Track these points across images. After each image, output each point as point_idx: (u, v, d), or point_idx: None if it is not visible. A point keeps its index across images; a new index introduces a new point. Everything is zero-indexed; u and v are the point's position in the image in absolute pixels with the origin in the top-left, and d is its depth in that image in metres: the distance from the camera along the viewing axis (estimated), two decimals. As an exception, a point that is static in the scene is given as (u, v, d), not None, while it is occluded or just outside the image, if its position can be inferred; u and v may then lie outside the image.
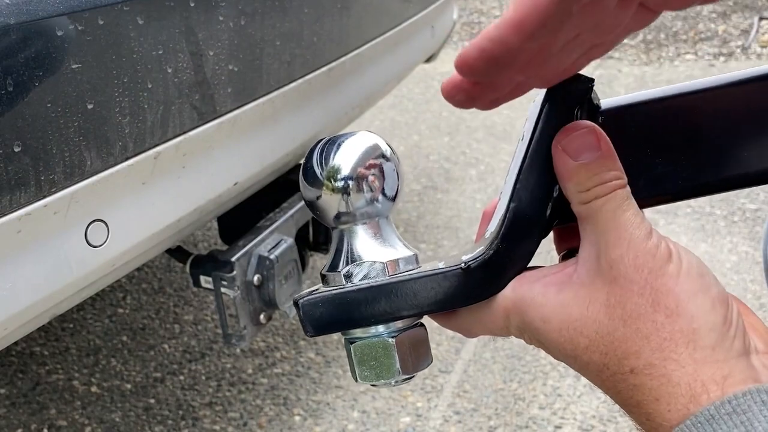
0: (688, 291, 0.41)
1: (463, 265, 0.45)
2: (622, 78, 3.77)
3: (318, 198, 0.48)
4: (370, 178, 0.48)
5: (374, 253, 0.48)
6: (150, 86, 0.91)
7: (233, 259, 1.26)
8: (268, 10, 1.10)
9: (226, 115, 1.05)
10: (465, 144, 3.02)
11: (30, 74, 0.76)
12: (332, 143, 0.49)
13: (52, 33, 0.78)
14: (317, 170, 0.48)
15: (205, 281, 1.31)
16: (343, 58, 1.34)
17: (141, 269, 2.28)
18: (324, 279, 0.49)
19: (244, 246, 1.29)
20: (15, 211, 0.77)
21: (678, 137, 0.47)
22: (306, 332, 0.47)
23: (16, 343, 1.93)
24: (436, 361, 1.87)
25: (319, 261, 2.01)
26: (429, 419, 1.70)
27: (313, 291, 0.48)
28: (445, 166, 2.83)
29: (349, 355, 0.48)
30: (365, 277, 0.47)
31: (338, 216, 0.48)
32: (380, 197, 0.49)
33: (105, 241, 0.89)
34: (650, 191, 0.48)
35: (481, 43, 0.37)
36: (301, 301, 0.47)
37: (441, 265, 0.47)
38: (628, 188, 0.44)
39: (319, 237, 1.52)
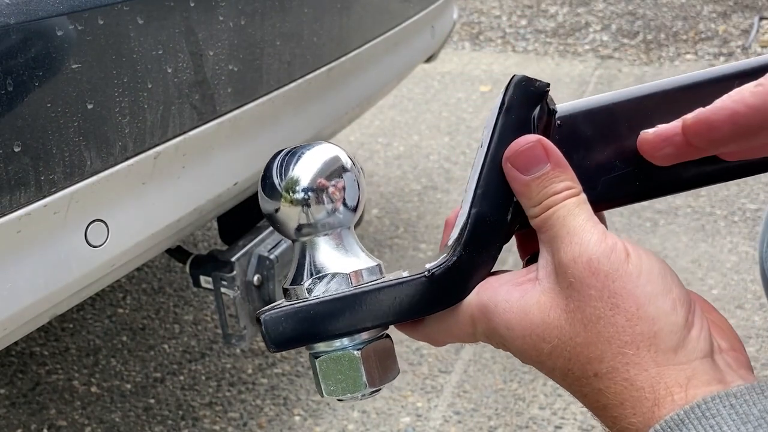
0: (648, 293, 0.40)
1: (426, 273, 0.45)
2: (622, 78, 3.77)
3: (277, 210, 0.48)
4: (331, 189, 0.47)
5: (337, 265, 0.48)
6: (150, 86, 0.91)
7: (233, 259, 1.26)
8: (268, 10, 1.10)
9: (226, 115, 1.05)
10: (465, 144, 3.02)
11: (30, 74, 0.76)
12: (292, 154, 0.48)
13: (52, 33, 0.78)
14: (276, 181, 0.48)
15: (205, 281, 1.31)
16: (343, 58, 1.34)
17: (141, 269, 2.28)
18: (286, 293, 0.49)
19: (244, 246, 1.29)
20: (15, 211, 0.77)
21: (634, 139, 0.47)
22: (269, 348, 0.46)
23: (16, 343, 1.93)
24: (436, 361, 1.87)
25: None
26: (429, 419, 1.70)
27: (275, 306, 0.47)
28: (445, 166, 2.83)
29: (314, 370, 0.48)
30: (328, 289, 0.47)
31: (299, 228, 0.48)
32: (341, 208, 0.48)
33: (105, 241, 0.89)
34: (609, 193, 0.48)
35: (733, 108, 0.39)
36: (263, 316, 0.46)
37: (405, 273, 0.46)
38: (581, 196, 0.44)
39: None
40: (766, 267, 0.86)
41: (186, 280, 2.21)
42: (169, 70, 0.93)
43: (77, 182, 0.83)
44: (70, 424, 1.71)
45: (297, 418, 1.70)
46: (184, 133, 0.98)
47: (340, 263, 0.48)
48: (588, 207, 0.43)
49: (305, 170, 0.47)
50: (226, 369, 1.88)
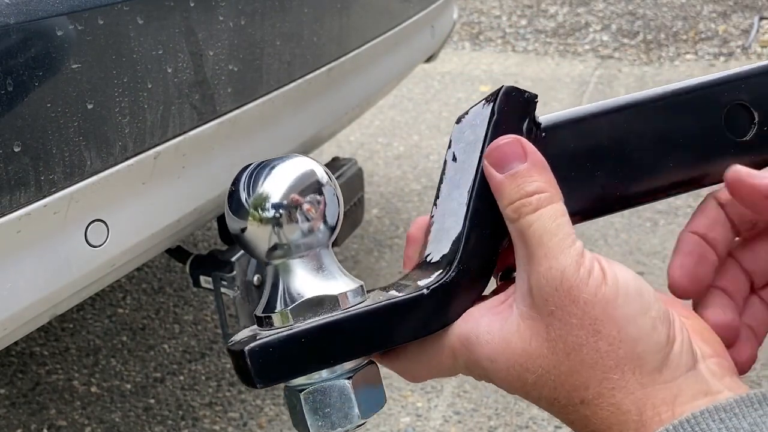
0: (627, 315, 0.40)
1: (425, 290, 0.43)
2: (622, 78, 3.77)
3: (243, 230, 0.43)
4: (306, 206, 0.43)
5: (320, 287, 0.43)
6: (150, 86, 0.91)
7: (233, 259, 1.26)
8: (268, 10, 1.10)
9: (226, 115, 1.05)
10: (465, 144, 3.01)
11: (30, 74, 0.76)
12: (262, 168, 0.44)
13: (52, 33, 0.78)
14: (243, 197, 0.43)
15: (205, 281, 1.31)
16: (343, 58, 1.34)
17: (141, 269, 2.28)
18: (261, 321, 0.44)
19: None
20: (15, 211, 0.77)
21: (614, 150, 0.46)
22: (252, 385, 0.41)
23: (16, 343, 1.93)
24: (436, 361, 1.87)
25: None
26: (429, 419, 1.70)
27: (252, 335, 0.43)
28: (445, 166, 2.82)
29: (294, 407, 0.43)
30: (317, 313, 0.43)
31: (272, 249, 0.43)
32: (320, 226, 0.44)
33: (105, 241, 0.89)
34: (591, 204, 0.47)
35: None
36: (246, 348, 0.41)
37: (394, 293, 0.43)
38: (557, 205, 0.42)
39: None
40: None
41: (186, 280, 2.21)
42: (169, 70, 0.93)
43: (77, 182, 0.83)
44: (70, 424, 1.71)
45: (297, 418, 1.70)
46: (184, 133, 0.98)
47: (323, 286, 0.44)
48: (566, 219, 0.42)
49: (277, 185, 0.43)
50: (226, 369, 1.88)
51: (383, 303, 0.43)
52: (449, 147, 0.48)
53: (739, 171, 0.44)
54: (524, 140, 0.43)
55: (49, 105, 0.78)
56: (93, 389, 1.82)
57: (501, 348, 0.42)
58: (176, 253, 1.37)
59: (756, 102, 0.47)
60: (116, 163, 0.88)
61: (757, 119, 0.47)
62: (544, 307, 0.41)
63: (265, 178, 0.44)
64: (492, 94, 0.45)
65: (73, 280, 0.87)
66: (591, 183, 0.46)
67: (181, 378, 1.85)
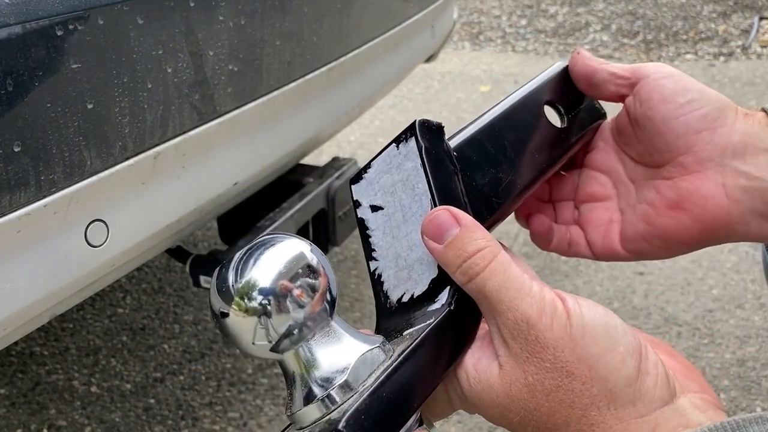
0: (595, 354, 0.41)
1: (450, 305, 0.44)
2: (622, 78, 3.77)
3: (229, 323, 0.40)
4: (297, 292, 0.41)
5: (354, 351, 0.42)
6: (150, 86, 0.91)
7: (233, 259, 1.26)
8: (268, 10, 1.10)
9: (226, 115, 1.05)
10: (465, 144, 3.02)
11: (30, 74, 0.76)
12: (248, 257, 0.42)
13: (52, 33, 0.78)
14: (231, 286, 0.41)
15: (205, 281, 1.31)
16: (343, 58, 1.34)
17: (141, 269, 2.28)
18: (319, 400, 0.41)
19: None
20: (15, 211, 0.77)
21: (503, 151, 0.54)
22: None
23: (16, 343, 1.93)
24: (436, 361, 1.87)
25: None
26: (429, 419, 1.70)
27: (322, 416, 0.40)
28: (445, 166, 2.82)
29: None
30: (374, 370, 0.41)
31: (287, 335, 0.41)
32: (324, 305, 0.42)
33: (105, 241, 0.89)
34: (501, 203, 0.53)
35: None
36: (341, 425, 0.38)
37: (408, 337, 0.43)
38: (500, 255, 0.44)
39: (319, 237, 1.52)
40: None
41: (186, 280, 2.21)
42: (169, 70, 0.93)
43: (77, 182, 0.83)
44: (70, 424, 1.71)
45: (297, 418, 1.69)
46: (184, 133, 0.98)
47: (356, 348, 0.42)
48: (514, 268, 0.43)
49: (268, 274, 0.41)
50: (226, 369, 1.88)
51: (421, 335, 0.42)
52: (357, 206, 0.51)
53: (581, 51, 0.58)
54: (451, 207, 0.45)
55: (49, 105, 0.78)
56: (93, 389, 1.82)
57: (486, 390, 0.43)
58: (176, 253, 1.37)
59: (557, 98, 0.60)
60: (116, 163, 0.88)
61: (562, 110, 0.60)
62: (519, 355, 0.42)
63: (253, 267, 0.42)
64: (401, 135, 0.50)
65: (73, 280, 0.87)
66: (497, 185, 0.53)
67: (181, 378, 1.85)
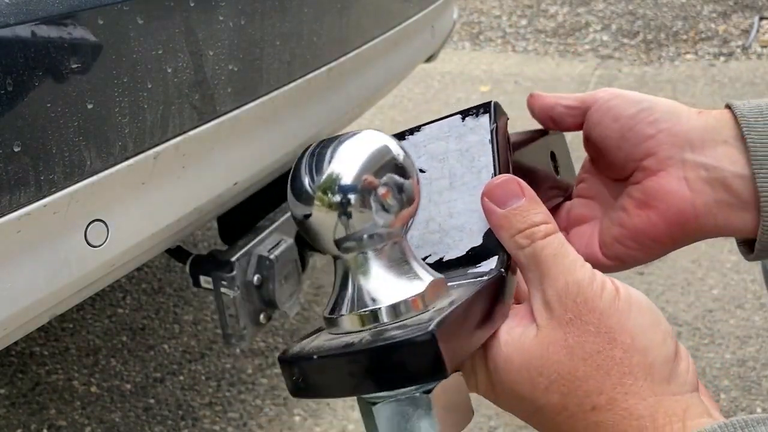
0: (640, 325, 0.42)
1: (502, 271, 0.45)
2: (622, 78, 3.77)
3: (308, 216, 0.39)
4: (381, 190, 0.39)
5: (422, 274, 0.41)
6: (150, 86, 0.91)
7: (233, 259, 1.26)
8: (268, 10, 1.10)
9: (226, 115, 1.05)
10: (465, 144, 3.01)
11: (30, 74, 0.76)
12: (326, 146, 0.40)
13: (52, 33, 0.78)
14: (306, 181, 0.39)
15: (205, 281, 1.31)
16: (343, 58, 1.34)
17: (141, 269, 2.28)
18: (331, 322, 0.40)
19: (244, 246, 1.29)
20: (15, 211, 0.77)
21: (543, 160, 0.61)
22: (445, 372, 0.37)
23: (16, 343, 1.93)
24: (436, 361, 1.87)
25: (318, 261, 2.01)
26: (429, 419, 1.70)
27: (327, 341, 0.39)
28: (445, 166, 2.82)
29: (370, 421, 0.39)
30: (405, 315, 0.40)
31: (345, 239, 0.39)
32: (397, 213, 0.40)
33: (105, 241, 0.89)
34: (550, 191, 0.60)
35: None
36: (435, 328, 0.36)
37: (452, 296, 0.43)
38: (560, 234, 0.46)
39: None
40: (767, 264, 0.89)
41: (186, 280, 2.21)
42: (169, 70, 0.93)
43: (77, 182, 0.83)
44: (70, 424, 1.71)
45: (297, 418, 1.70)
46: (184, 133, 0.98)
47: (425, 271, 0.42)
48: (569, 245, 0.45)
49: (347, 166, 0.38)
50: (226, 369, 1.88)
51: (488, 280, 0.43)
52: None
53: (534, 94, 0.63)
54: (518, 179, 0.47)
55: (49, 105, 0.78)
56: (93, 389, 1.82)
57: (518, 350, 0.44)
58: (176, 253, 1.37)
59: (554, 152, 0.64)
60: (116, 163, 0.88)
61: (558, 163, 0.64)
62: (562, 317, 0.43)
63: (331, 159, 0.39)
64: (470, 109, 0.52)
65: (73, 280, 0.87)
66: (545, 175, 0.59)
67: (181, 378, 1.85)
